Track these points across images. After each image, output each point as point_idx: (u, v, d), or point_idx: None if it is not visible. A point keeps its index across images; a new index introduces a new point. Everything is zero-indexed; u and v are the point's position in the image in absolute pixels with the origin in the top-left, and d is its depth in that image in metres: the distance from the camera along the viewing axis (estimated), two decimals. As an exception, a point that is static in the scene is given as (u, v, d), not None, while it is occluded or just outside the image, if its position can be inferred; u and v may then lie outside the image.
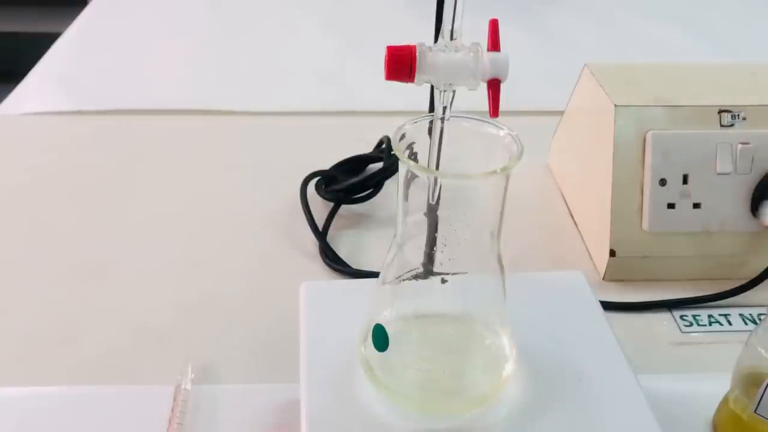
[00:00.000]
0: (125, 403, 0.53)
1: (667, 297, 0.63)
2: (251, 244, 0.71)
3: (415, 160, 0.42)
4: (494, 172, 0.40)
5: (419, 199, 0.42)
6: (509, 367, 0.45)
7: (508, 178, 0.42)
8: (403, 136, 0.41)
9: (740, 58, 1.02)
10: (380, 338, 0.44)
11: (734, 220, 0.63)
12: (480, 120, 0.42)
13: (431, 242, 0.43)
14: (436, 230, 0.43)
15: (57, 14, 1.59)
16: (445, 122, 0.41)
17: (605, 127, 0.64)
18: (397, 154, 0.40)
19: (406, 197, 0.42)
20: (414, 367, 0.45)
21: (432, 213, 0.43)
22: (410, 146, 0.42)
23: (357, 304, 0.47)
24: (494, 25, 0.40)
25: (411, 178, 0.42)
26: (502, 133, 0.42)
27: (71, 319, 0.62)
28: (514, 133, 0.41)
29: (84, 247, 0.70)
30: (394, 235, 0.44)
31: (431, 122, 0.42)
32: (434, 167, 0.42)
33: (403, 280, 0.44)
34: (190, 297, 0.64)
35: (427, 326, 0.47)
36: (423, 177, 0.42)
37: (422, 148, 0.42)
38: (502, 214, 0.43)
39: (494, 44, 0.40)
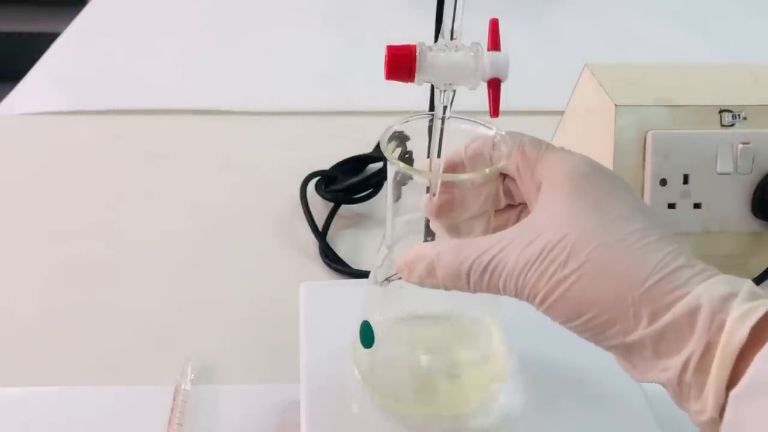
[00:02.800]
0: (125, 403, 0.53)
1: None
2: (251, 244, 0.71)
3: (410, 160, 0.42)
4: (483, 171, 0.40)
5: (409, 200, 0.42)
6: (500, 368, 0.45)
7: (498, 178, 0.42)
8: (391, 137, 0.41)
9: (740, 58, 1.02)
10: (366, 335, 0.45)
11: (735, 220, 0.63)
12: (469, 120, 0.42)
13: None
14: (429, 233, 0.43)
15: (57, 14, 1.59)
16: (446, 122, 0.41)
17: (605, 127, 0.64)
18: (386, 154, 0.40)
19: (395, 198, 0.42)
20: (403, 367, 0.45)
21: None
22: (403, 146, 0.42)
23: (357, 304, 0.47)
24: (494, 25, 0.40)
25: (400, 179, 0.42)
26: (491, 132, 0.42)
27: (71, 318, 0.62)
28: (503, 132, 0.41)
29: (84, 247, 0.70)
30: (384, 236, 0.44)
31: (431, 121, 0.42)
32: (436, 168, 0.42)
33: (394, 280, 0.44)
34: (190, 297, 0.64)
35: (417, 326, 0.47)
36: (416, 178, 0.42)
37: (415, 148, 0.42)
38: (491, 215, 0.43)
39: (494, 44, 0.40)
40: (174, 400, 0.53)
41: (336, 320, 0.50)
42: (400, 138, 0.42)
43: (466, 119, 0.42)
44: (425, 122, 0.42)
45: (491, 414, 0.45)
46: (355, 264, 0.67)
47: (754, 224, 0.63)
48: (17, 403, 0.54)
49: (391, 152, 0.41)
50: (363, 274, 0.65)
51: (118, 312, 0.62)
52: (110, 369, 0.57)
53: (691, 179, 0.62)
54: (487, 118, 0.42)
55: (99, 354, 0.58)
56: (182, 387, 0.53)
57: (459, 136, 0.42)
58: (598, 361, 0.48)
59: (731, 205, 0.63)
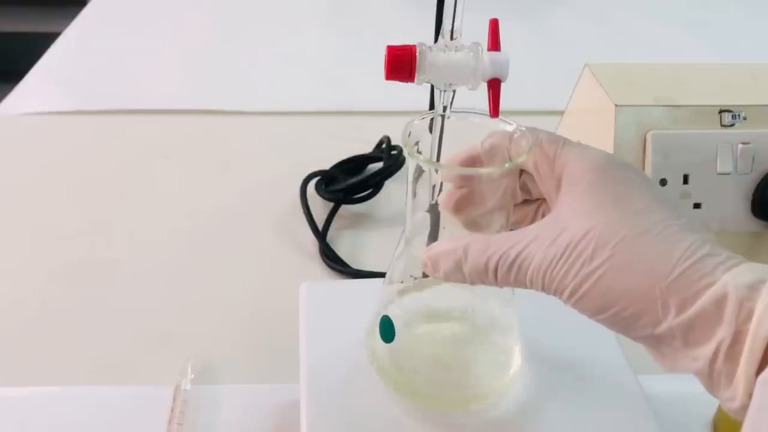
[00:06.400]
0: (125, 403, 0.53)
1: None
2: (251, 244, 0.71)
3: None
4: (502, 167, 0.40)
5: (427, 193, 0.42)
6: (516, 365, 0.45)
7: (516, 173, 0.42)
8: (411, 133, 0.41)
9: (740, 58, 1.02)
10: (387, 329, 0.45)
11: (735, 220, 0.63)
12: (488, 116, 0.42)
13: (434, 239, 0.44)
14: (438, 227, 0.43)
15: (57, 14, 1.59)
16: (448, 120, 0.41)
17: (605, 127, 0.64)
18: (406, 149, 0.40)
19: (414, 193, 0.42)
20: (420, 362, 0.45)
21: (435, 210, 0.43)
22: (416, 144, 0.42)
23: (357, 304, 0.47)
24: (494, 25, 0.40)
25: (419, 173, 0.42)
26: (510, 128, 0.42)
27: (71, 319, 0.62)
28: (524, 128, 0.41)
29: (84, 247, 0.70)
30: (403, 231, 0.44)
31: (432, 119, 0.42)
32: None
33: (411, 276, 0.44)
34: (190, 297, 0.64)
35: (434, 321, 0.47)
36: (426, 168, 0.42)
37: (426, 145, 0.42)
38: (509, 210, 0.43)
39: (494, 44, 0.40)
40: (174, 400, 0.53)
41: (336, 320, 0.50)
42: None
43: (484, 114, 0.42)
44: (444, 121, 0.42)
45: (493, 412, 0.45)
46: (355, 264, 0.67)
47: (754, 224, 0.63)
48: (17, 403, 0.54)
49: (412, 147, 0.41)
50: (363, 274, 0.66)
51: (118, 312, 0.62)
52: (110, 369, 0.57)
53: (691, 179, 0.62)
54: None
55: (99, 354, 0.58)
56: (182, 387, 0.53)
57: (478, 131, 0.42)
58: (598, 360, 0.48)
59: (731, 205, 0.63)
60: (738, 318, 0.33)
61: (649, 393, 0.46)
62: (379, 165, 0.77)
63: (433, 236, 0.44)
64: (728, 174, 0.62)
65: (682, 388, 0.54)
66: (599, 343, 0.49)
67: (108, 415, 0.53)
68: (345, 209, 0.74)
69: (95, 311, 0.62)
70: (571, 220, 0.37)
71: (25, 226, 0.73)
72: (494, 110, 0.40)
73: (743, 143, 0.62)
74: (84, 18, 1.19)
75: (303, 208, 0.73)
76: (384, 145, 0.79)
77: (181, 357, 0.56)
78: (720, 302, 0.33)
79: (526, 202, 0.44)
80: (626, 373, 0.47)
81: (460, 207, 0.42)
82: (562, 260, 0.36)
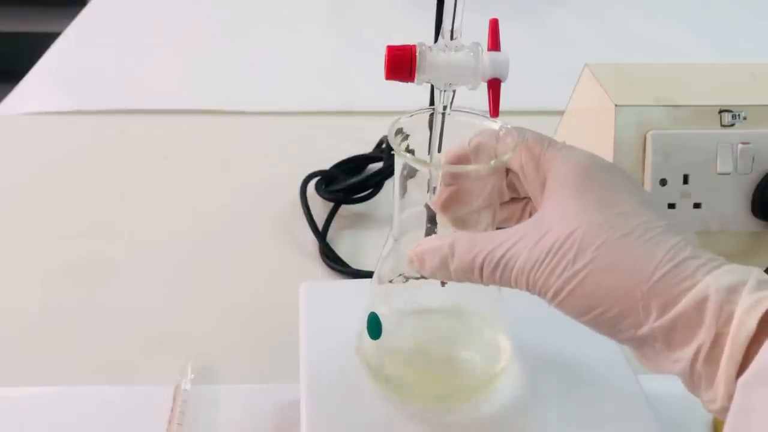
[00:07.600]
0: (125, 403, 0.53)
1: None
2: (251, 244, 0.71)
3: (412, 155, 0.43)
4: (489, 164, 0.40)
5: (415, 193, 0.42)
6: (503, 361, 0.45)
7: (503, 171, 0.42)
8: (399, 131, 0.41)
9: (740, 58, 1.02)
10: (374, 326, 0.45)
11: (735, 220, 0.63)
12: (475, 114, 0.43)
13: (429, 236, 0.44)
14: (434, 224, 0.43)
15: (57, 14, 1.59)
16: (450, 116, 0.42)
17: (605, 127, 0.64)
18: (394, 147, 0.41)
19: (402, 192, 0.42)
20: (407, 358, 0.45)
21: (429, 208, 0.43)
22: (406, 140, 0.42)
23: (357, 304, 0.47)
24: (494, 25, 0.40)
25: (407, 172, 0.42)
26: (496, 126, 0.42)
27: (71, 318, 0.62)
28: (509, 126, 0.41)
29: (84, 247, 0.70)
30: (390, 229, 0.44)
31: (431, 116, 0.42)
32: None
33: (400, 275, 0.45)
34: (190, 297, 0.64)
35: (422, 318, 0.47)
36: (422, 171, 0.42)
37: (418, 143, 0.42)
38: (496, 208, 0.43)
39: (494, 44, 0.40)
40: (174, 400, 0.53)
41: (336, 320, 0.50)
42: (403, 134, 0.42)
43: (470, 112, 0.42)
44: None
45: (492, 405, 0.45)
46: (355, 264, 0.67)
47: (754, 224, 0.63)
48: (17, 403, 0.54)
49: (398, 145, 0.41)
50: (363, 274, 0.66)
51: (118, 312, 0.62)
52: (110, 369, 0.57)
53: (691, 179, 0.62)
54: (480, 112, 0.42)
55: (99, 354, 0.58)
56: (182, 387, 0.53)
57: (464, 130, 0.42)
58: (598, 360, 0.48)
59: (731, 205, 0.63)
60: (718, 321, 0.33)
61: (649, 393, 0.46)
62: (379, 165, 0.77)
63: (429, 232, 0.44)
64: (728, 174, 0.62)
65: (682, 388, 0.54)
66: (599, 344, 0.49)
67: (108, 415, 0.53)
68: (345, 209, 0.74)
69: (95, 311, 0.62)
70: (555, 221, 0.37)
71: (25, 226, 0.73)
72: (494, 110, 0.41)
73: (743, 143, 0.62)
74: (84, 18, 1.19)
75: (303, 208, 0.73)
76: (384, 145, 0.79)
77: (181, 357, 0.56)
78: (700, 305, 0.33)
79: (513, 200, 0.44)
80: (626, 373, 0.47)
81: (447, 205, 0.42)
82: (546, 261, 0.36)
